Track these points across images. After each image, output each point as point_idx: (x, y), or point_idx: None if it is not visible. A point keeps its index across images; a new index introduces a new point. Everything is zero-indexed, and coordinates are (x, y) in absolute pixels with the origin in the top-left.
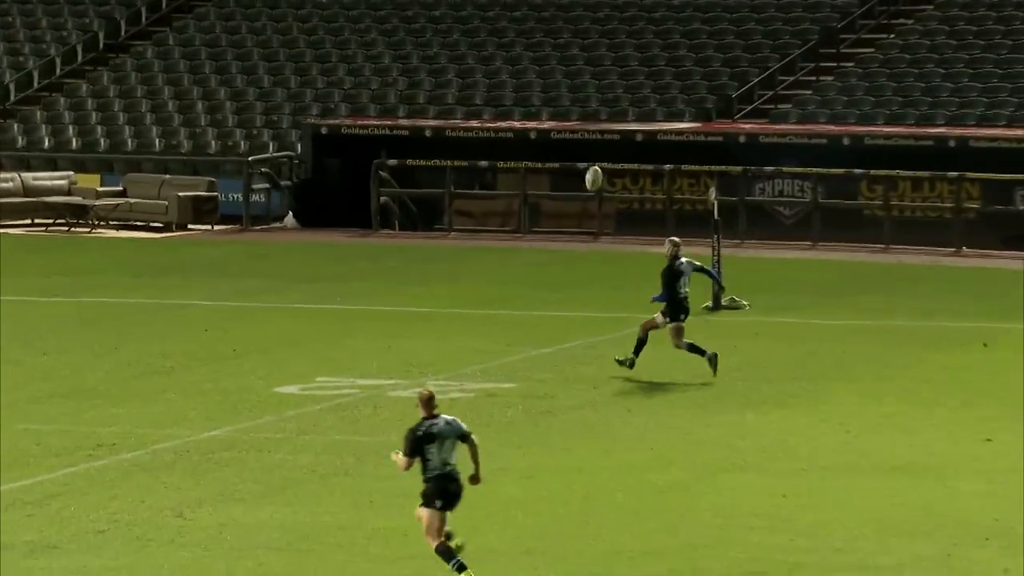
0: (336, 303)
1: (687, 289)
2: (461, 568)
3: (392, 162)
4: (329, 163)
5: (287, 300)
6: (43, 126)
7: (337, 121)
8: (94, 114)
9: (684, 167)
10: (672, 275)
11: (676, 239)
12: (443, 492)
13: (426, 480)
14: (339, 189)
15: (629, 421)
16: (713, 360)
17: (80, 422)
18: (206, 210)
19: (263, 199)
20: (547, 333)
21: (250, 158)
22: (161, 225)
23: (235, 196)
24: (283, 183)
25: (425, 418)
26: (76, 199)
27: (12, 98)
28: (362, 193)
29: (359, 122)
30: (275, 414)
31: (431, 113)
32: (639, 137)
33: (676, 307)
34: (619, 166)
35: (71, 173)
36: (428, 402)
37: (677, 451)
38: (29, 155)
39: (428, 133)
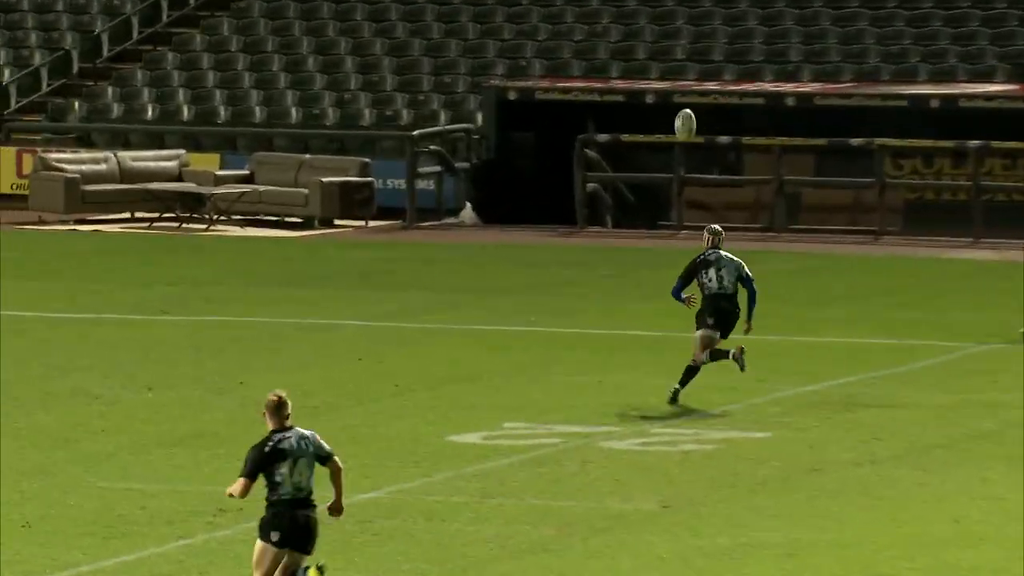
0: (529, 324)
1: (718, 283)
2: None
3: (602, 137)
4: (519, 139)
5: (464, 320)
6: (145, 90)
7: (529, 83)
8: (211, 74)
9: (996, 144)
10: (693, 266)
11: (717, 227)
12: (288, 524)
13: (269, 506)
14: (532, 173)
15: (923, 482)
16: (739, 358)
17: (197, 480)
18: (358, 200)
19: (432, 186)
20: (811, 365)
21: (415, 132)
22: (299, 220)
23: (396, 183)
24: (458, 165)
25: (275, 431)
26: (189, 186)
27: (105, 53)
28: (562, 178)
29: (558, 84)
30: (451, 470)
31: (654, 72)
32: (934, 103)
33: (701, 309)
34: (907, 143)
35: (182, 152)
36: (278, 410)
37: (988, 524)
38: (128, 128)
39: (650, 99)
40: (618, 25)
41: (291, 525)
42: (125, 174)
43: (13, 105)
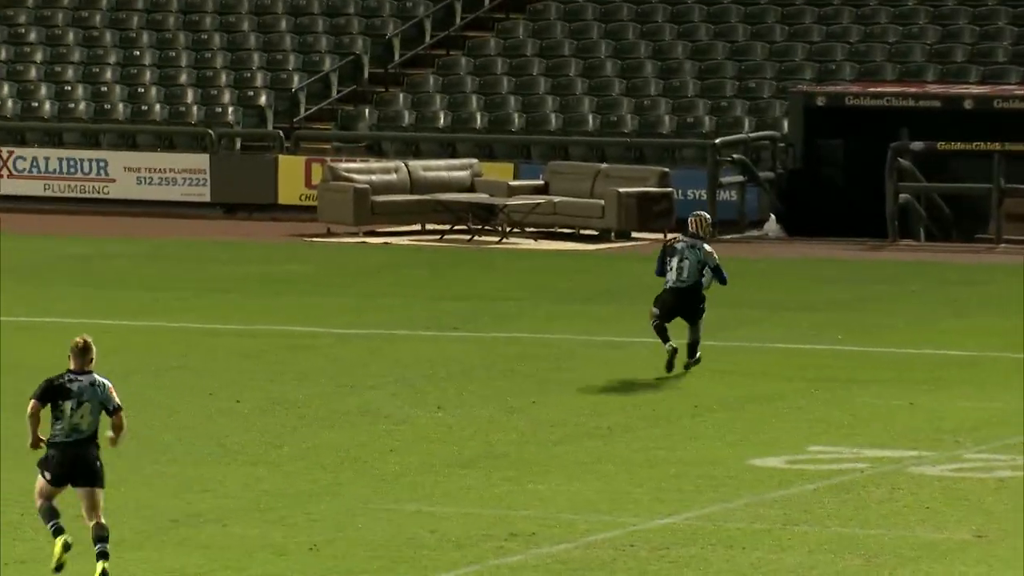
0: (835, 342)
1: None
2: (58, 532)
3: (916, 145)
4: (827, 147)
5: (765, 337)
6: (437, 96)
7: (839, 89)
8: (505, 79)
9: None
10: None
11: (704, 214)
12: (58, 464)
13: (48, 443)
14: (841, 183)
15: None
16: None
17: (488, 502)
18: (657, 212)
19: (734, 197)
20: None
21: (717, 140)
22: (596, 232)
23: (696, 193)
24: (763, 175)
25: (71, 371)
26: (481, 197)
27: (396, 58)
28: (873, 189)
29: (870, 89)
30: (752, 495)
31: (973, 75)
32: None
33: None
34: None
35: (474, 161)
36: (81, 353)
37: None
38: (419, 136)
39: (968, 104)
40: (935, 26)
41: (62, 464)
42: (416, 184)
43: (302, 112)
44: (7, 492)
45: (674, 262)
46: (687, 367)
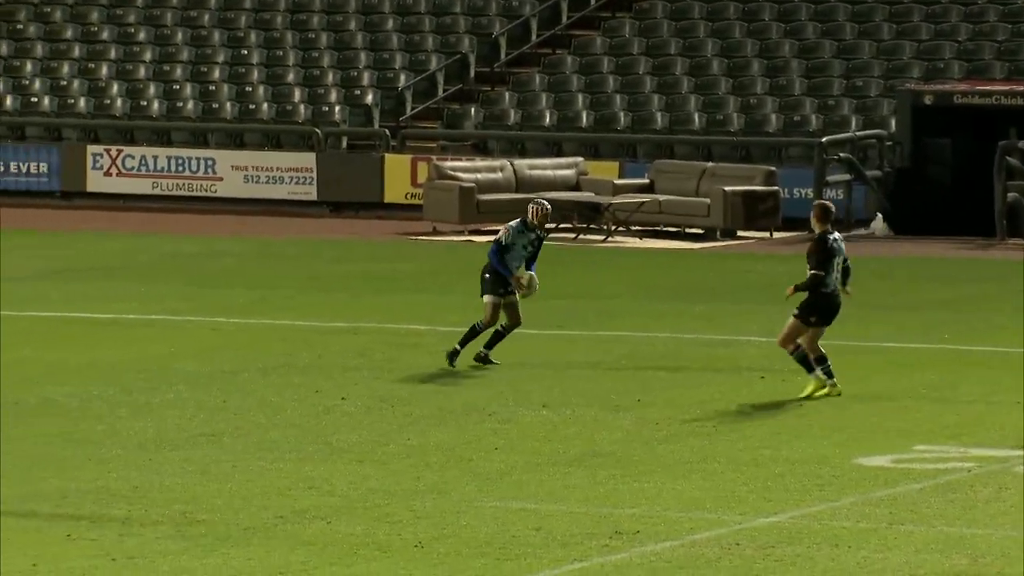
0: (942, 341)
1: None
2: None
3: None
4: (935, 146)
5: (871, 336)
6: (543, 95)
7: (947, 87)
8: (611, 78)
9: None
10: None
11: (545, 203)
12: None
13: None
14: (949, 182)
15: None
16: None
17: (592, 500)
18: (763, 211)
19: (841, 195)
20: None
21: (824, 139)
22: (701, 231)
23: (803, 191)
24: (870, 174)
25: None
26: (587, 195)
27: (502, 56)
28: (982, 188)
29: (979, 87)
30: (858, 494)
31: None
32: None
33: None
34: None
35: (580, 160)
36: None
37: None
38: (525, 135)
39: None
40: None
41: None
42: (521, 183)
43: (408, 111)
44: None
45: (837, 261)
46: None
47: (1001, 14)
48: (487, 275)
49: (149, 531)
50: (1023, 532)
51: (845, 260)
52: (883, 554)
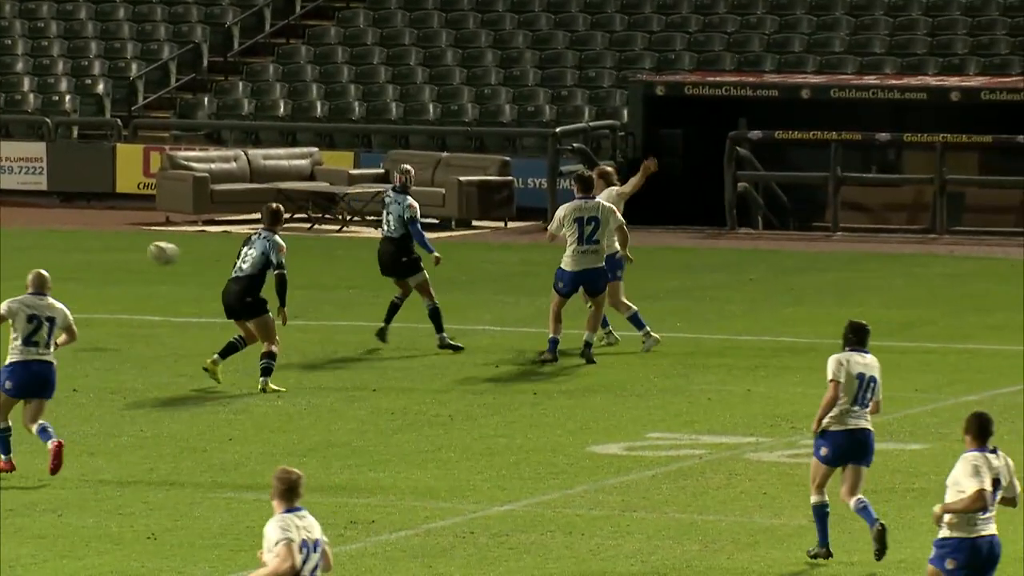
0: (675, 330)
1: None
2: None
3: (755, 135)
4: (667, 136)
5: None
6: (277, 85)
7: (678, 78)
8: (346, 68)
9: None
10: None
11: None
12: None
13: None
14: (681, 172)
15: None
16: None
17: (328, 490)
18: (497, 201)
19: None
20: (974, 375)
21: (558, 129)
22: (436, 221)
23: (537, 182)
24: (604, 164)
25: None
26: (321, 185)
27: (236, 46)
28: (712, 178)
29: (708, 79)
30: (591, 482)
31: (809, 65)
32: None
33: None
34: None
35: (315, 150)
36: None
37: None
38: (259, 125)
39: (805, 94)
40: (773, 16)
41: None
42: (256, 173)
43: (141, 100)
44: None
45: (384, 213)
46: None
47: (730, 6)
48: None
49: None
50: (752, 518)
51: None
52: (616, 540)
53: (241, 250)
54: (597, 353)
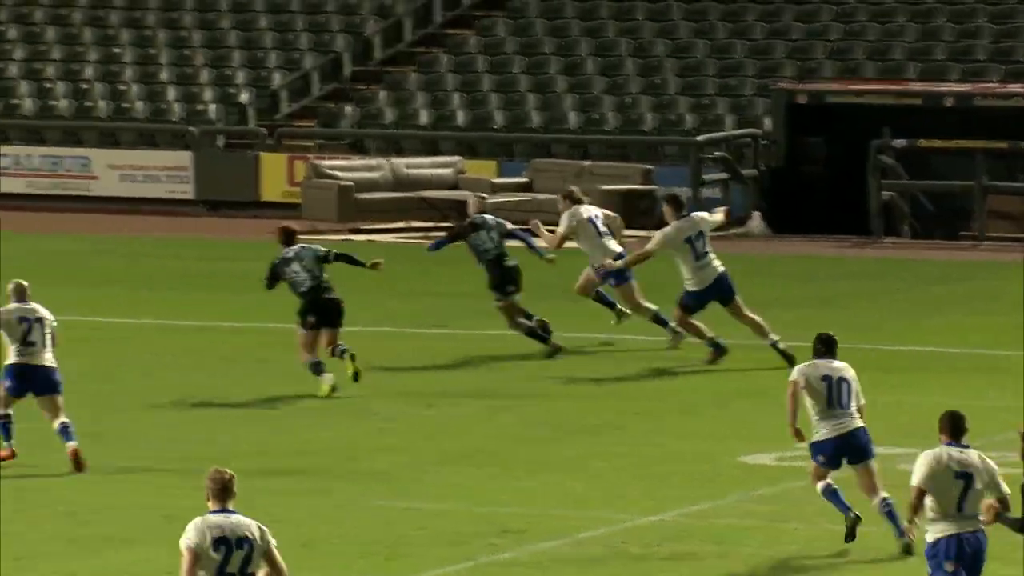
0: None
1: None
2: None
3: (899, 143)
4: (809, 144)
5: (750, 334)
6: (419, 94)
7: (821, 86)
8: (486, 77)
9: None
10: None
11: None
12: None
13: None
14: (824, 181)
15: None
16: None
17: (478, 499)
18: (640, 209)
19: (718, 194)
20: None
21: (700, 138)
22: None
23: (679, 191)
24: (745, 172)
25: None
26: (464, 194)
27: (377, 55)
28: (856, 187)
29: (851, 87)
30: (742, 492)
31: (954, 74)
32: None
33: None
34: None
35: (458, 159)
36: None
37: None
38: (401, 133)
39: (950, 102)
40: (915, 24)
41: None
42: (399, 182)
43: (284, 110)
44: None
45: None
46: None
47: (871, 13)
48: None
49: None
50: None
51: None
52: (769, 549)
53: (287, 270)
54: (746, 361)
